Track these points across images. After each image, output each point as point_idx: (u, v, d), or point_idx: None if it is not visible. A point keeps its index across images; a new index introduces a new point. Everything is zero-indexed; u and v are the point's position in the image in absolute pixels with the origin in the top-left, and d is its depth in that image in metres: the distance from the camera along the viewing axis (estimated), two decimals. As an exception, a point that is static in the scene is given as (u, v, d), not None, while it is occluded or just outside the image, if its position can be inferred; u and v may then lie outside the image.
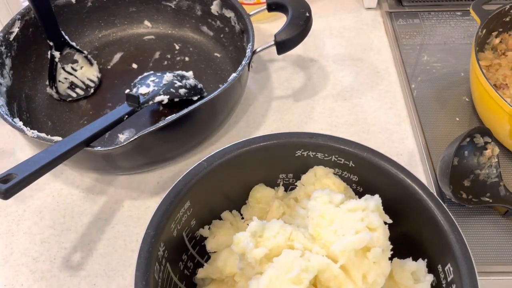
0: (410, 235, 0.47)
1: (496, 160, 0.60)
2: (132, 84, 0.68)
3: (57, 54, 0.71)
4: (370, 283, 0.41)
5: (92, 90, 0.74)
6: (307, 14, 0.66)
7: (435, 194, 0.44)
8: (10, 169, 0.48)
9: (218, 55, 0.79)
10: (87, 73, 0.75)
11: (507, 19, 0.73)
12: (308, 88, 0.77)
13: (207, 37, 0.80)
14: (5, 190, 0.45)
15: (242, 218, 0.53)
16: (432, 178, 0.63)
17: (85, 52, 0.75)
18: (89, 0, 0.78)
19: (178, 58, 0.79)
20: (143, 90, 0.65)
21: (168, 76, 0.68)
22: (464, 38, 0.84)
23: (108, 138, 0.67)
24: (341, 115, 0.73)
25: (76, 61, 0.74)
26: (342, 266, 0.41)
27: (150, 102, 0.63)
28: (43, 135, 0.56)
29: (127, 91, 0.63)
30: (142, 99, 0.62)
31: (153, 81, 0.67)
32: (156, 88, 0.65)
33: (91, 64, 0.75)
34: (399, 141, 0.69)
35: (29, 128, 0.57)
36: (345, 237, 0.40)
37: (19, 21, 0.69)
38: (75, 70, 0.74)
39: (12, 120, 0.58)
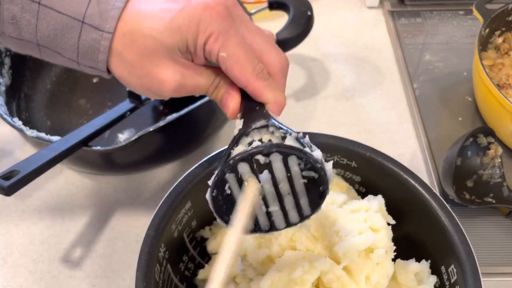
0: (413, 236, 0.46)
1: (499, 160, 0.60)
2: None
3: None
4: (373, 285, 0.40)
5: None
6: (309, 13, 0.66)
7: (438, 194, 0.44)
8: (13, 165, 0.47)
9: (219, 54, 0.78)
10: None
11: (510, 18, 0.72)
12: (309, 87, 0.76)
13: (208, 36, 0.80)
14: (7, 186, 0.46)
15: (244, 218, 0.52)
16: (435, 178, 0.63)
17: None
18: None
19: (179, 57, 0.78)
20: (144, 87, 0.64)
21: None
22: (467, 38, 0.83)
23: (108, 137, 0.66)
24: (343, 115, 0.72)
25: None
26: (345, 268, 0.40)
27: (152, 99, 0.63)
28: (42, 134, 0.56)
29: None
30: (143, 96, 0.62)
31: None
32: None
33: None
34: (402, 141, 0.69)
35: (28, 128, 0.56)
36: (348, 238, 0.40)
37: (19, 20, 0.69)
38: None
39: (12, 119, 0.58)
